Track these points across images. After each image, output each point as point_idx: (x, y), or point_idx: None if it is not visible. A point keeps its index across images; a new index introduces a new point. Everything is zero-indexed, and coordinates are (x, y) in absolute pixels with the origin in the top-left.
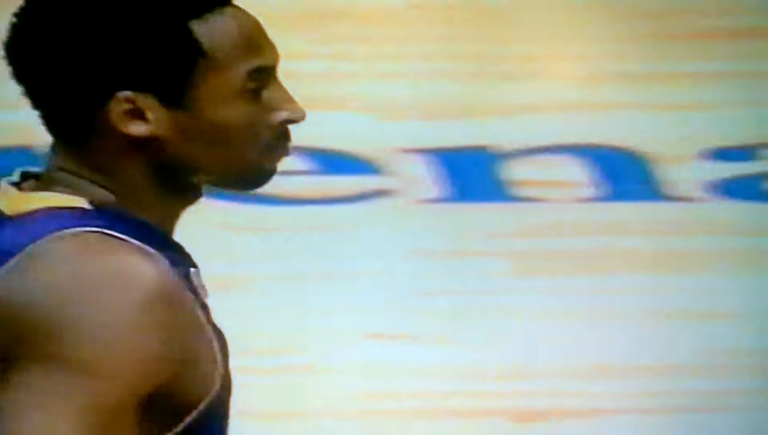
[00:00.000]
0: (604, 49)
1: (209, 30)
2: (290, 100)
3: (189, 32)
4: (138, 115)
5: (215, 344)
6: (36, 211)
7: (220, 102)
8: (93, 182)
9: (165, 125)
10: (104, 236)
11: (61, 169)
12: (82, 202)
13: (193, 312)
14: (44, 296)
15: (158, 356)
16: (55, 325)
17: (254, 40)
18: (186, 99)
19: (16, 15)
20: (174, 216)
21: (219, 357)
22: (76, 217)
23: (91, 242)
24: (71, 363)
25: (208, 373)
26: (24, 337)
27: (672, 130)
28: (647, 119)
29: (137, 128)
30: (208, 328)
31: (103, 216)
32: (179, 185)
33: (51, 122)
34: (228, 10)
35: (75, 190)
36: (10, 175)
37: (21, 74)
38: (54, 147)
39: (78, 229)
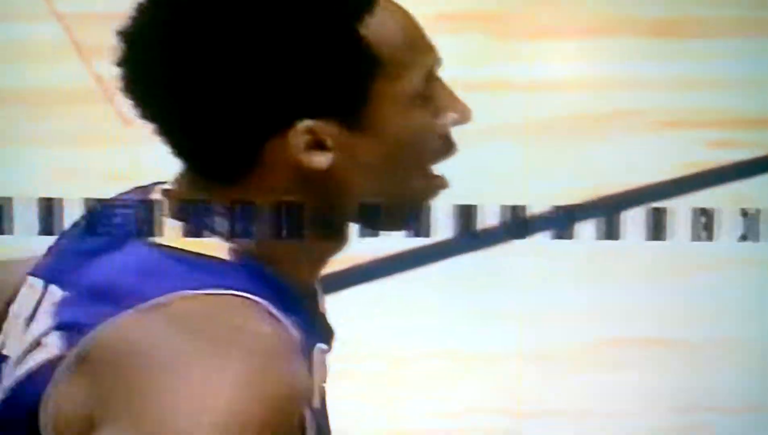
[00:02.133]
0: None
1: (374, 32)
2: (456, 99)
3: (359, 37)
4: (318, 145)
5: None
6: (181, 254)
7: (398, 115)
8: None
9: (345, 152)
10: (234, 299)
11: (205, 206)
12: (223, 251)
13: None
14: (150, 356)
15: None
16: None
17: (418, 37)
18: (364, 117)
19: (140, 42)
20: (315, 268)
21: None
22: (214, 271)
23: (216, 305)
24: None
25: None
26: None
27: None
28: None
29: (320, 159)
30: (307, 413)
31: (243, 271)
32: (333, 226)
33: (196, 157)
34: (381, 4)
35: (217, 233)
36: None
37: (158, 105)
38: (185, 178)
39: (208, 290)
